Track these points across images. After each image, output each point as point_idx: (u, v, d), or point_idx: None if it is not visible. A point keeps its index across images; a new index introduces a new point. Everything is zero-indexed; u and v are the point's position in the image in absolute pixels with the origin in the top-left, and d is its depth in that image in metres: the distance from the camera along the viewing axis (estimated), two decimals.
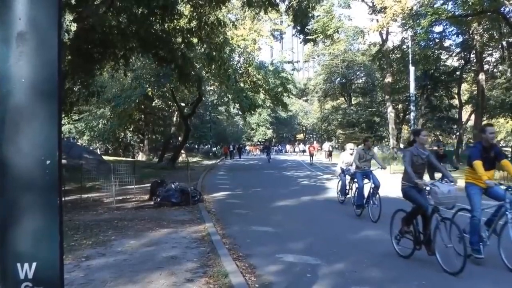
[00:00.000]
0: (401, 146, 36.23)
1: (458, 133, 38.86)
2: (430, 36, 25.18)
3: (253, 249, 6.17)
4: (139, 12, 12.02)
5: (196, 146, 53.01)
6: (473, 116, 32.81)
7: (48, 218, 1.43)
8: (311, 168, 26.69)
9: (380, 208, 8.20)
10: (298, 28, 28.26)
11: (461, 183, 5.66)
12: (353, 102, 52.21)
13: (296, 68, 41.46)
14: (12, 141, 1.39)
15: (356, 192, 9.08)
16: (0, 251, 1.40)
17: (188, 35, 14.27)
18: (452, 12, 22.06)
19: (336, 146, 48.63)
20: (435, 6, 21.75)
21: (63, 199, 9.97)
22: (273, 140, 72.10)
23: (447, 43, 31.69)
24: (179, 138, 34.41)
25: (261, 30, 28.50)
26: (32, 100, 1.40)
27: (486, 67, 32.34)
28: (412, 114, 23.22)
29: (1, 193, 1.39)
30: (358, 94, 52.53)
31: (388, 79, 32.17)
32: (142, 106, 31.33)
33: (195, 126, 40.99)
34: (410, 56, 23.48)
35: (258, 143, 66.92)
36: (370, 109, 46.94)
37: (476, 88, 31.92)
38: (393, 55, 32.77)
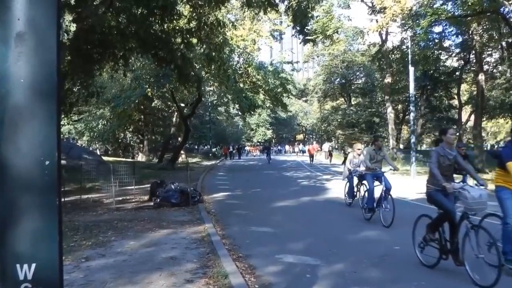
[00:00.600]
0: (401, 146, 36.27)
1: (457, 134, 38.90)
2: (429, 37, 25.19)
3: (252, 249, 6.17)
4: (139, 12, 12.02)
5: (196, 147, 53.00)
6: (472, 117, 32.82)
7: (48, 219, 1.43)
8: (311, 168, 26.69)
9: (393, 212, 7.73)
10: (298, 28, 28.28)
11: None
12: (352, 103, 52.21)
13: (295, 69, 41.58)
14: (11, 141, 1.38)
15: (366, 195, 8.63)
16: None
17: (188, 36, 14.27)
18: (452, 13, 22.06)
19: (336, 147, 48.65)
20: (435, 6, 21.75)
21: (63, 199, 9.95)
22: (273, 141, 72.10)
23: (446, 43, 31.71)
24: (179, 139, 34.40)
25: (261, 30, 28.55)
26: (31, 100, 1.40)
27: (485, 67, 32.35)
28: (412, 114, 23.22)
29: (0, 193, 1.38)
30: (358, 94, 52.55)
31: (388, 79, 32.18)
32: (142, 107, 31.33)
33: (195, 126, 40.99)
34: (409, 56, 23.47)
35: (258, 143, 66.91)
36: (369, 110, 46.96)
37: (475, 89, 31.92)
38: (393, 55, 32.77)
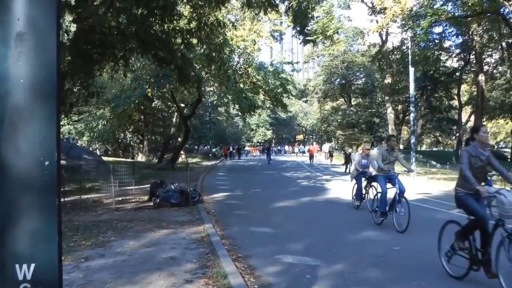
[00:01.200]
0: (401, 147, 36.25)
1: (457, 134, 38.92)
2: (429, 37, 25.25)
3: (252, 250, 6.17)
4: (139, 12, 12.03)
5: (196, 147, 53.01)
6: (472, 117, 32.87)
7: (47, 219, 1.43)
8: (311, 169, 26.69)
9: (408, 217, 7.21)
10: (298, 29, 28.37)
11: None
12: (352, 103, 52.26)
13: (295, 69, 41.58)
14: (11, 141, 1.38)
15: (378, 198, 8.16)
16: None
17: (188, 36, 14.28)
18: (452, 13, 22.10)
19: (336, 147, 48.65)
20: (435, 7, 21.80)
21: (62, 200, 9.97)
22: (273, 141, 72.11)
23: (446, 44, 31.81)
24: (179, 139, 34.40)
25: (261, 31, 28.54)
26: (31, 100, 1.40)
27: (485, 68, 32.44)
28: (412, 115, 23.22)
29: (0, 193, 1.39)
30: (358, 95, 52.60)
31: (388, 80, 32.22)
32: (142, 107, 31.34)
33: (195, 127, 40.99)
34: (409, 57, 23.47)
35: (258, 144, 66.91)
36: (369, 110, 47.01)
37: (475, 89, 31.99)
38: (393, 56, 32.82)
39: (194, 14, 14.39)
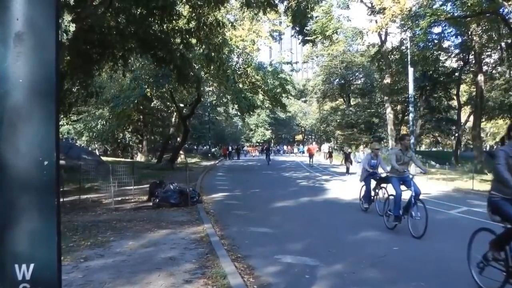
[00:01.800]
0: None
1: (457, 134, 38.96)
2: (429, 37, 25.24)
3: (251, 250, 6.17)
4: (138, 12, 12.02)
5: (195, 147, 53.02)
6: (472, 118, 32.88)
7: (46, 219, 1.42)
8: (310, 169, 26.70)
9: (426, 221, 6.74)
10: (297, 29, 28.36)
11: None
12: (352, 103, 52.26)
13: (295, 69, 41.56)
14: (10, 141, 1.38)
15: (391, 201, 7.72)
16: None
17: (187, 36, 14.27)
18: (451, 13, 22.09)
19: (335, 147, 48.69)
20: (434, 7, 21.79)
21: (62, 200, 9.97)
22: (272, 141, 72.14)
23: (446, 44, 31.75)
24: (178, 139, 34.39)
25: (260, 30, 28.56)
26: (30, 100, 1.40)
27: (485, 68, 32.43)
28: (411, 115, 23.26)
29: None
30: (357, 95, 52.59)
31: (387, 80, 32.22)
32: (141, 107, 31.33)
33: (194, 126, 40.99)
34: (409, 57, 23.52)
35: (257, 144, 66.92)
36: (369, 110, 47.00)
37: (475, 89, 31.99)
38: (392, 56, 32.81)
39: (193, 14, 14.39)
